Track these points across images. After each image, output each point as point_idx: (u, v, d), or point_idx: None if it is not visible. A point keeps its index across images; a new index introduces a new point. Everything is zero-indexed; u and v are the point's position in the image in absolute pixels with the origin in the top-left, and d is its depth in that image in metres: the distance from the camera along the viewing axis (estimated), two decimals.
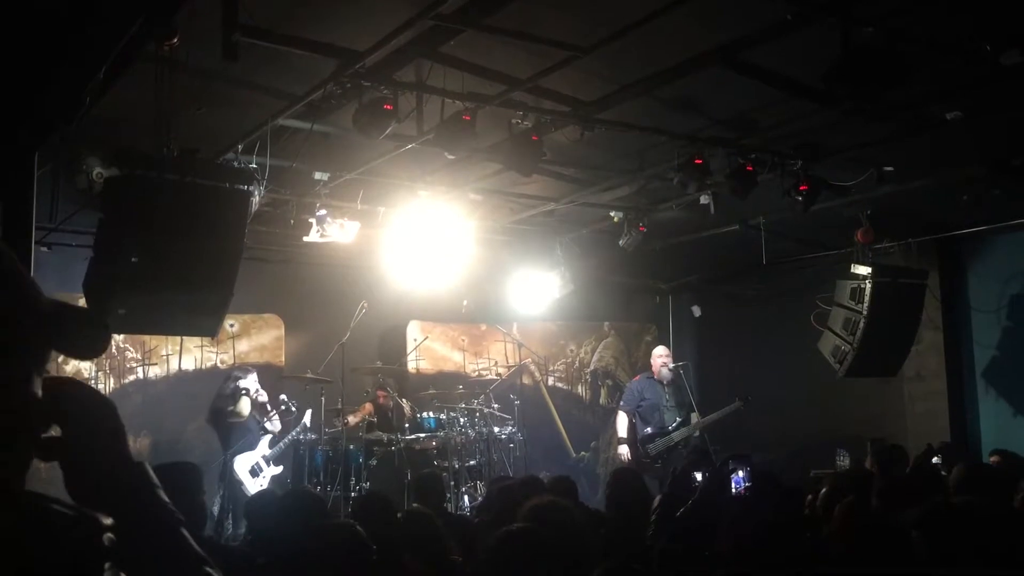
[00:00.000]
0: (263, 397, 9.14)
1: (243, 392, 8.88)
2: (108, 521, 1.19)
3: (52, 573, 1.07)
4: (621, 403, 10.51)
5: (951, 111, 6.38)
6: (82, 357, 1.27)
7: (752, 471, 4.59)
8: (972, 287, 10.36)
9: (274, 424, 9.22)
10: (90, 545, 1.13)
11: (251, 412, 8.97)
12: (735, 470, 4.58)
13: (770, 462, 8.84)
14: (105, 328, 1.24)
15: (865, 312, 8.77)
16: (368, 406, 9.85)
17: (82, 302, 6.45)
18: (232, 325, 10.10)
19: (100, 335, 1.23)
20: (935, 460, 7.23)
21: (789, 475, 7.85)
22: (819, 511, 4.82)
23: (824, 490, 5.01)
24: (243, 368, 9.41)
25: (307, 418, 9.10)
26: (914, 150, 7.30)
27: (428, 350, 11.32)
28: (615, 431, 10.47)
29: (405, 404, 9.91)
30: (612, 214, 9.36)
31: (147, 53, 5.03)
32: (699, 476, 4.84)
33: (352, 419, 9.59)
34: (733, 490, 4.54)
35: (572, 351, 12.44)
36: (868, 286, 8.79)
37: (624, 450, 10.03)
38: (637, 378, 10.67)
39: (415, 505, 5.50)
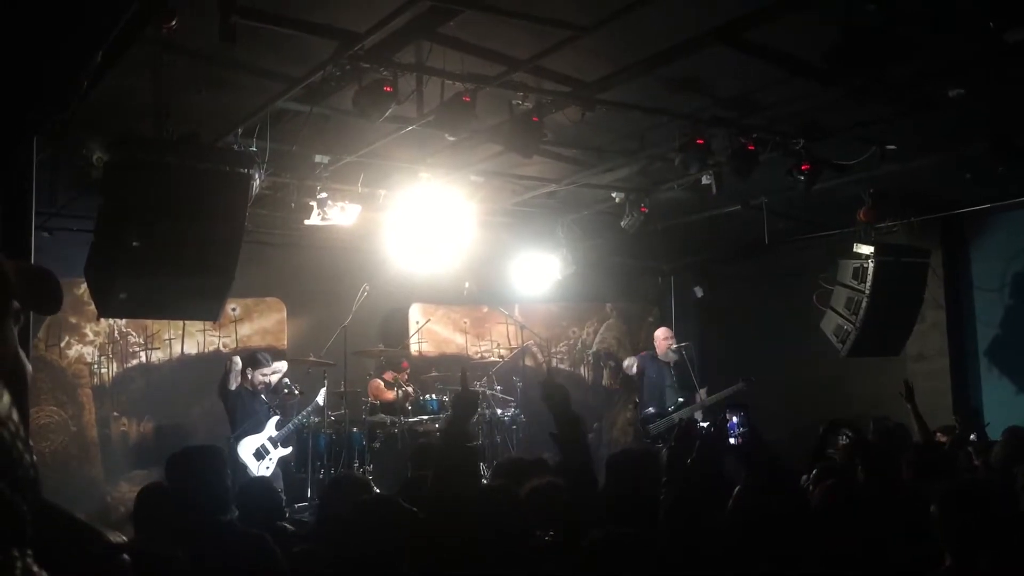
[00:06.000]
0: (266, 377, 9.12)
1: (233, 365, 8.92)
2: (122, 539, 1.20)
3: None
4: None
5: (954, 89, 6.33)
6: (44, 311, 1.33)
7: (747, 416, 4.60)
8: (975, 265, 10.33)
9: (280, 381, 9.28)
10: (115, 562, 1.15)
11: (258, 391, 8.98)
12: (730, 418, 4.59)
13: (773, 443, 8.81)
14: (56, 283, 1.29)
15: (868, 291, 8.76)
16: (378, 383, 9.88)
17: (84, 287, 6.47)
18: (234, 309, 10.10)
19: (55, 286, 1.28)
20: (972, 437, 7.24)
21: (791, 455, 7.84)
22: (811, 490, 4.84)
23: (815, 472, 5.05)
24: (269, 353, 9.42)
25: (321, 397, 9.10)
26: (916, 128, 7.26)
27: (430, 332, 11.33)
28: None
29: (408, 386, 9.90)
30: (614, 195, 9.33)
31: (146, 36, 5.01)
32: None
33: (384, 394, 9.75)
34: (730, 438, 4.55)
35: (574, 332, 12.43)
36: (871, 265, 8.77)
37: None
38: (643, 353, 10.76)
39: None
